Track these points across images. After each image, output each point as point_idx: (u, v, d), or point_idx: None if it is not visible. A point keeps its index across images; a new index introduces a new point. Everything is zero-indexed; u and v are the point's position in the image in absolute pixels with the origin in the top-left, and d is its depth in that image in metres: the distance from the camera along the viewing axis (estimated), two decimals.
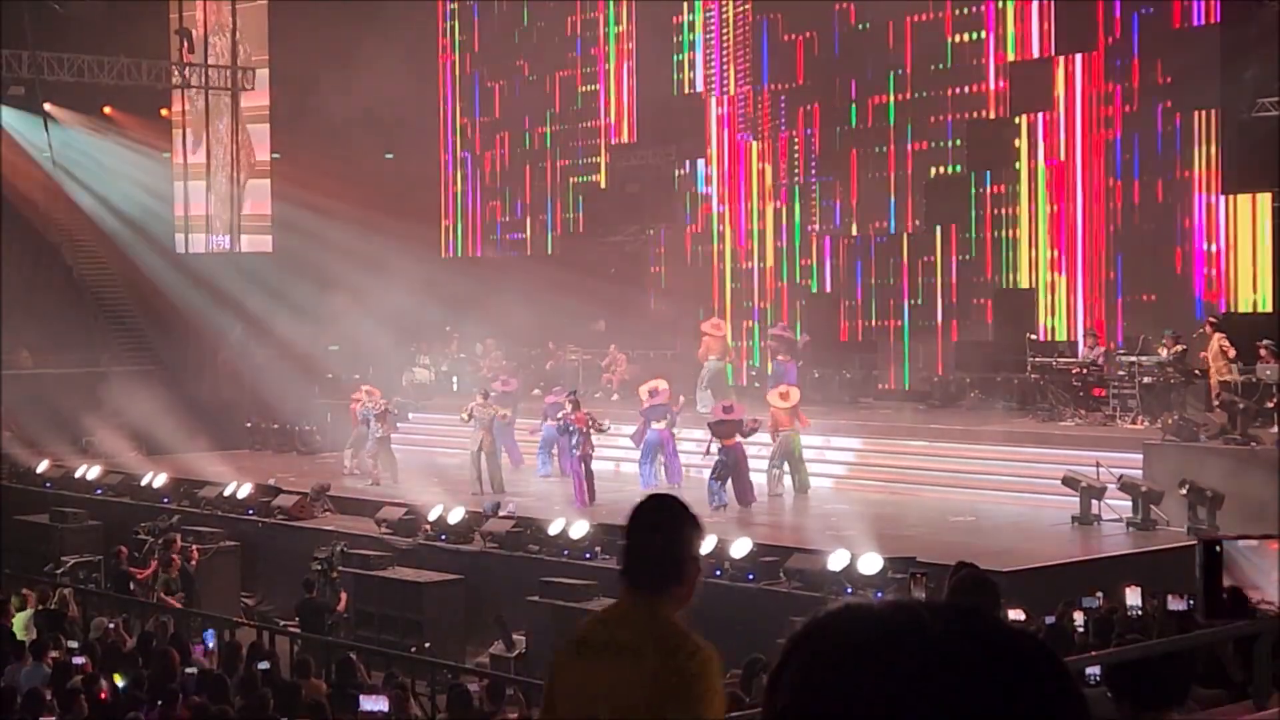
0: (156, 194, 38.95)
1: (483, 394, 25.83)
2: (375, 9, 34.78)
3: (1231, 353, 21.35)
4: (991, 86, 28.38)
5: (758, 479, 22.76)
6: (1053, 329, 27.29)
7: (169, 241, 38.83)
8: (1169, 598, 11.58)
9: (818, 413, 25.27)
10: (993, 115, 28.44)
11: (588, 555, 19.51)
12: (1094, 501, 19.97)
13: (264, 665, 13.41)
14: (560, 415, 23.99)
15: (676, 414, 24.28)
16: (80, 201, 38.44)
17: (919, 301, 29.64)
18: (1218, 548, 4.19)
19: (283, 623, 19.95)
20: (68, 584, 21.50)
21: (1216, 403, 21.39)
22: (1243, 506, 18.64)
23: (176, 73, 37.28)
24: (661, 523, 4.25)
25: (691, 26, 33.21)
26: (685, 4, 33.17)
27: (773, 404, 23.30)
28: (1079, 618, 12.81)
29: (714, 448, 22.38)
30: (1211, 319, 22.57)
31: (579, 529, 19.75)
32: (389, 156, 37.31)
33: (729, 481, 22.16)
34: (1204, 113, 25.19)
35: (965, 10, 28.59)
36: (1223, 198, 25.22)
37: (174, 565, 21.36)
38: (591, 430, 23.39)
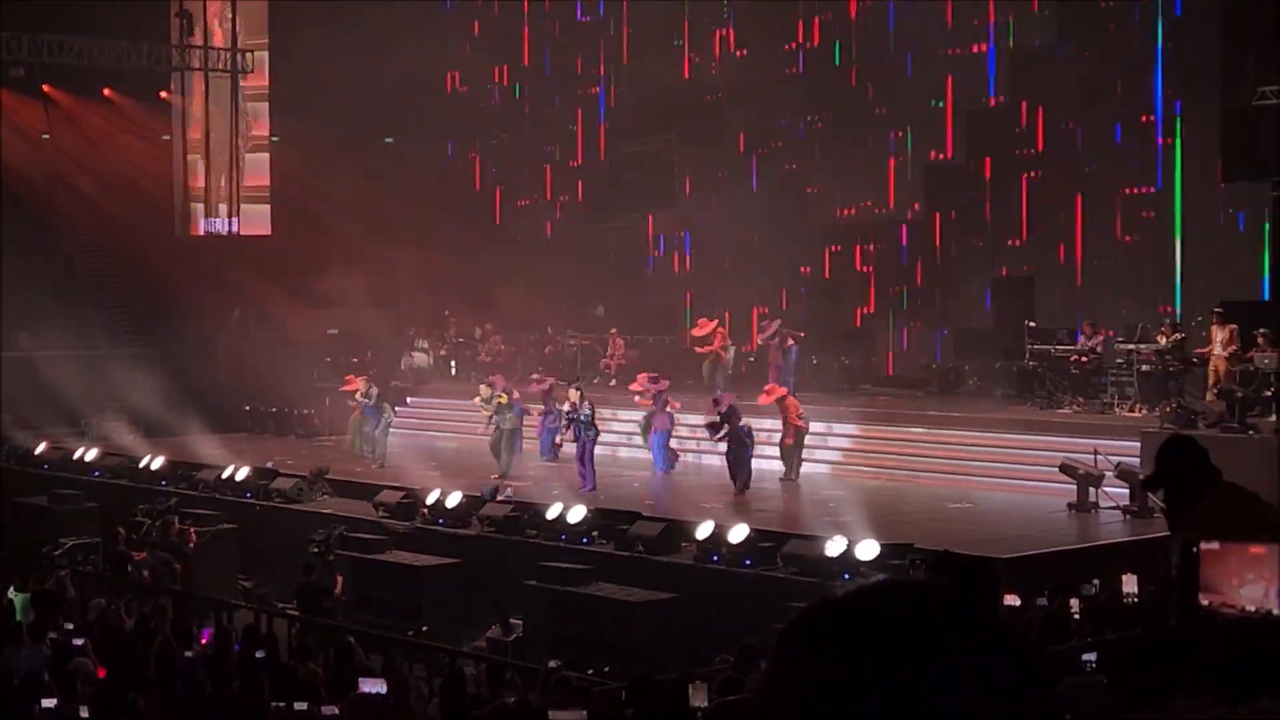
0: (155, 176, 38.92)
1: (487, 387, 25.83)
2: None
3: (1233, 346, 21.42)
4: (992, 73, 28.37)
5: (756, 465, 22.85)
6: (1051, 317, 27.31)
7: (168, 224, 38.82)
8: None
9: (816, 399, 25.35)
10: (993, 102, 28.44)
11: (585, 540, 19.52)
12: (1091, 489, 19.98)
13: (261, 654, 13.40)
14: (567, 406, 24.00)
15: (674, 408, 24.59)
16: (79, 184, 38.40)
17: (918, 288, 29.65)
18: (1195, 549, 4.19)
19: (280, 605, 19.95)
20: (65, 566, 21.49)
21: (1214, 391, 21.41)
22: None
23: (176, 55, 37.22)
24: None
25: (693, 12, 33.18)
26: None
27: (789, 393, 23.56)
28: (1075, 605, 12.82)
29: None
30: (1218, 309, 22.53)
31: (576, 514, 19.76)
32: (389, 141, 37.28)
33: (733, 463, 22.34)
34: (1205, 101, 25.18)
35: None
36: (1222, 185, 25.23)
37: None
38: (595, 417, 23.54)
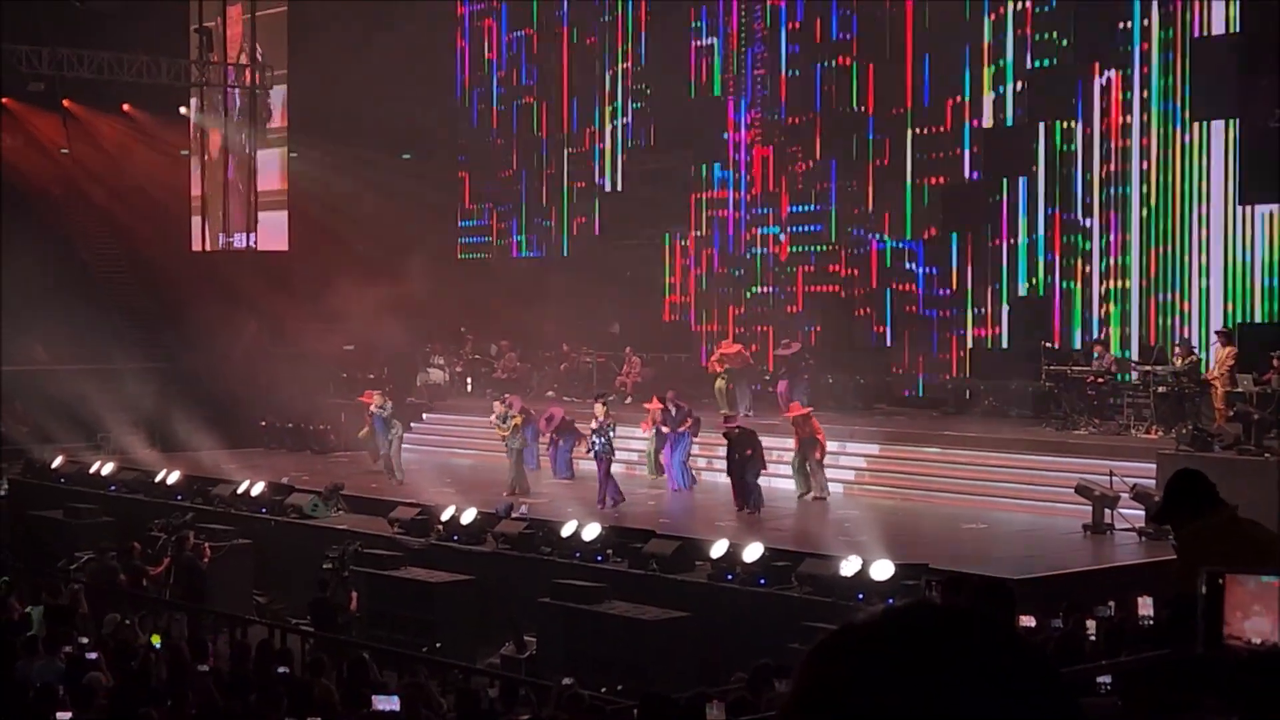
0: (173, 191, 39.07)
1: (502, 402, 25.91)
2: (392, 14, 34.85)
3: (1226, 367, 21.42)
4: (1011, 92, 28.33)
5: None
6: (1067, 337, 27.23)
7: (185, 238, 38.95)
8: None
9: (832, 418, 25.33)
10: (1010, 122, 28.40)
11: (599, 558, 19.52)
12: (1107, 511, 19.94)
13: (283, 670, 13.40)
14: (595, 423, 23.98)
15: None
16: (97, 198, 38.56)
17: (934, 308, 29.60)
18: (1220, 580, 4.20)
19: (294, 621, 19.96)
20: (80, 580, 21.55)
21: (1230, 413, 21.36)
22: (1255, 518, 18.51)
23: (195, 71, 37.37)
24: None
25: (711, 29, 33.21)
26: (705, 6, 33.19)
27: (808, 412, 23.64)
28: (1091, 626, 12.79)
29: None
30: (1221, 331, 22.50)
31: (591, 531, 19.76)
32: (406, 157, 37.37)
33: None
34: (1221, 122, 25.13)
35: (984, 15, 28.56)
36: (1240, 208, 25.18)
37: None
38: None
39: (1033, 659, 1.50)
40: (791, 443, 23.58)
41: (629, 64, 34.79)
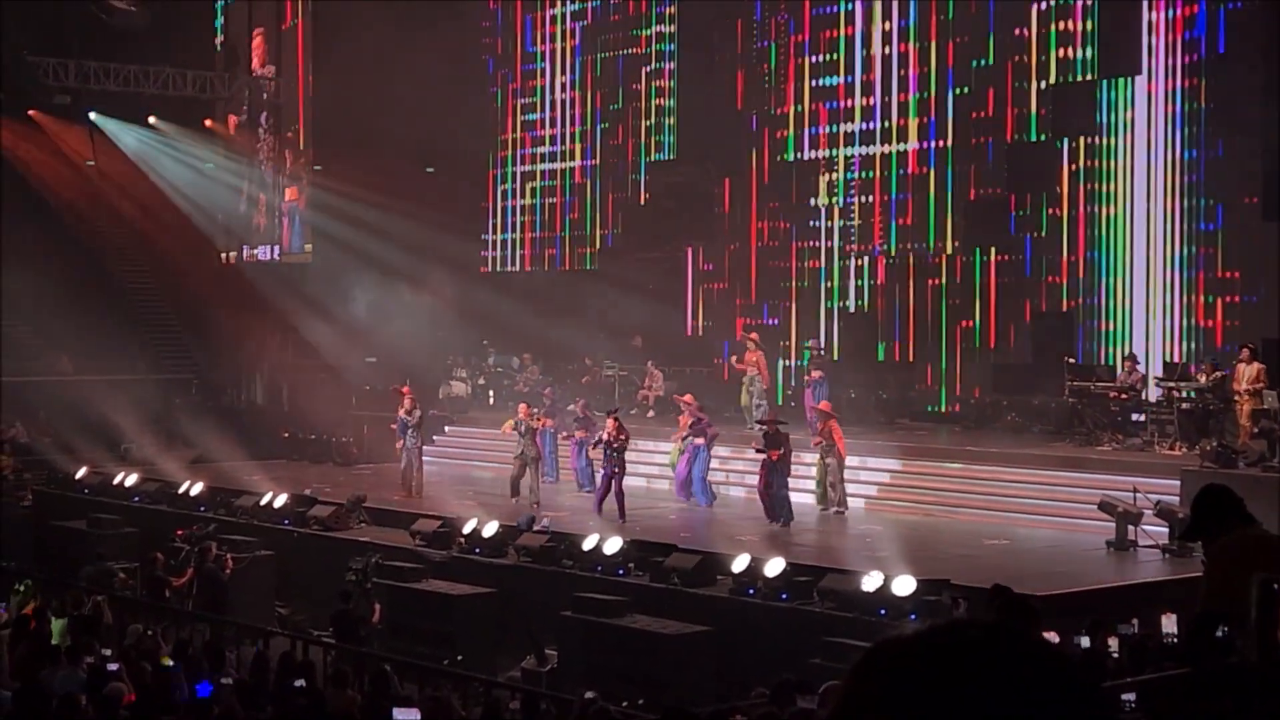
0: (198, 204, 39.23)
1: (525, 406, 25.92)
2: (417, 24, 34.96)
3: (1257, 383, 21.37)
4: (1034, 109, 28.30)
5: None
6: (1094, 353, 27.13)
7: (210, 250, 39.10)
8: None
9: (853, 433, 25.26)
10: (1035, 138, 28.36)
11: (621, 571, 19.51)
12: (1130, 527, 19.88)
13: (300, 683, 13.40)
14: (608, 437, 23.95)
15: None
16: (123, 210, 38.74)
17: (957, 323, 29.56)
18: (1276, 586, 4.22)
19: (316, 633, 19.98)
20: (101, 591, 21.60)
21: (1255, 430, 21.29)
22: None
23: (220, 84, 37.54)
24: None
25: (733, 43, 33.23)
26: (727, 21, 33.22)
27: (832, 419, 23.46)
28: (1114, 643, 12.76)
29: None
30: (1250, 346, 22.43)
31: (612, 545, 19.75)
32: (430, 170, 37.47)
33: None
34: (1248, 137, 25.06)
35: (1008, 33, 28.55)
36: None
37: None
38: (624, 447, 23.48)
39: (1059, 670, 1.51)
40: (811, 456, 23.52)
41: (660, 78, 34.85)
